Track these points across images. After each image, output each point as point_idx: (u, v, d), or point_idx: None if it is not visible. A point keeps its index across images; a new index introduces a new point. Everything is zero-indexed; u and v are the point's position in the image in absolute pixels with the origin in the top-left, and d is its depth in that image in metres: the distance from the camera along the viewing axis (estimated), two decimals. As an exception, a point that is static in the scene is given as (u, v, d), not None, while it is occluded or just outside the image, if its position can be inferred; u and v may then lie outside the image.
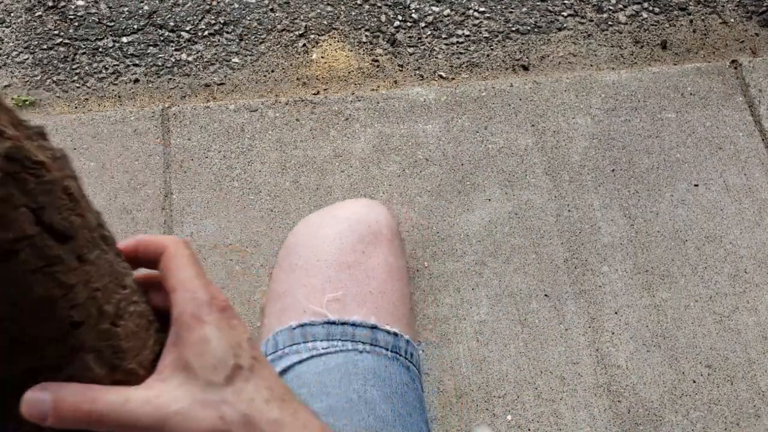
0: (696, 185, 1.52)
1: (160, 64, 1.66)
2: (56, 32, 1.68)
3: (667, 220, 1.48)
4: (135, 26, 1.69)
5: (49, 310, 0.35)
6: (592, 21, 1.76)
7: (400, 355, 0.70)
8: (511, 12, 1.76)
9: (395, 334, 0.70)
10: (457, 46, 1.71)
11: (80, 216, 0.37)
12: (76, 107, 1.60)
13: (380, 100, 1.58)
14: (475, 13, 1.76)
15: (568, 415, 1.31)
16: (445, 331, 1.36)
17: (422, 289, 1.40)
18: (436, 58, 1.70)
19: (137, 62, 1.66)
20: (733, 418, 1.31)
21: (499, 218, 1.47)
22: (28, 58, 1.65)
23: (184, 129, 1.53)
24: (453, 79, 1.67)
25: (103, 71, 1.64)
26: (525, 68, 1.69)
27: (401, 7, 1.75)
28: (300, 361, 0.66)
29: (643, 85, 1.63)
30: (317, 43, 1.70)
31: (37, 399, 0.36)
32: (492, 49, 1.72)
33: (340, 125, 1.55)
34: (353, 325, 0.68)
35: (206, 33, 1.70)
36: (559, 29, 1.75)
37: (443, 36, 1.72)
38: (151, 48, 1.67)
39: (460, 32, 1.73)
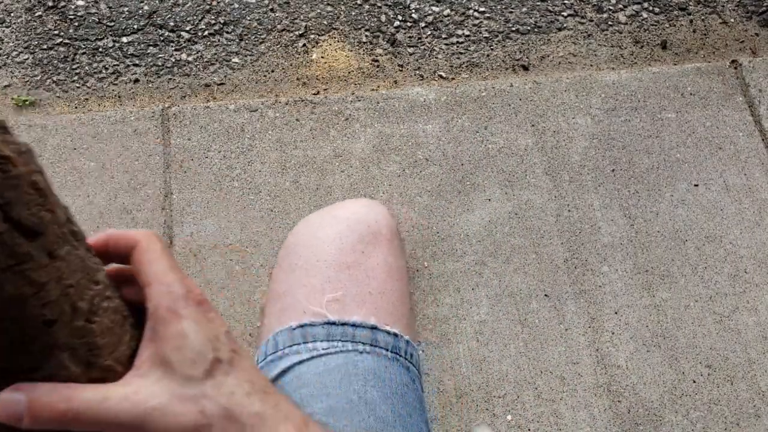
0: (696, 185, 1.52)
1: (160, 64, 1.66)
2: (56, 32, 1.68)
3: (667, 220, 1.48)
4: (135, 26, 1.69)
5: (20, 309, 0.35)
6: (592, 21, 1.76)
7: (400, 356, 0.70)
8: (511, 12, 1.76)
9: (395, 335, 0.70)
10: (457, 46, 1.71)
11: (49, 211, 0.36)
12: (76, 107, 1.60)
13: (380, 100, 1.58)
14: (475, 13, 1.76)
15: (568, 415, 1.31)
16: (445, 331, 1.36)
17: (422, 289, 1.40)
18: (436, 58, 1.70)
19: (137, 62, 1.66)
20: (733, 418, 1.31)
21: (499, 218, 1.47)
22: (28, 58, 1.65)
23: (184, 129, 1.53)
24: (453, 79, 1.67)
25: (103, 71, 1.65)
26: (525, 68, 1.69)
27: (401, 7, 1.75)
28: (300, 362, 0.66)
29: (643, 85, 1.63)
30: (317, 43, 1.70)
31: (11, 400, 0.36)
32: (492, 49, 1.72)
33: (340, 125, 1.55)
34: (353, 325, 0.68)
35: (206, 33, 1.70)
36: (559, 29, 1.75)
37: (443, 36, 1.72)
38: (151, 48, 1.67)
39: (460, 32, 1.73)
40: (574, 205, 1.49)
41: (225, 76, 1.65)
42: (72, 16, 1.70)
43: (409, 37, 1.72)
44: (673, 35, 1.76)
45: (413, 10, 1.75)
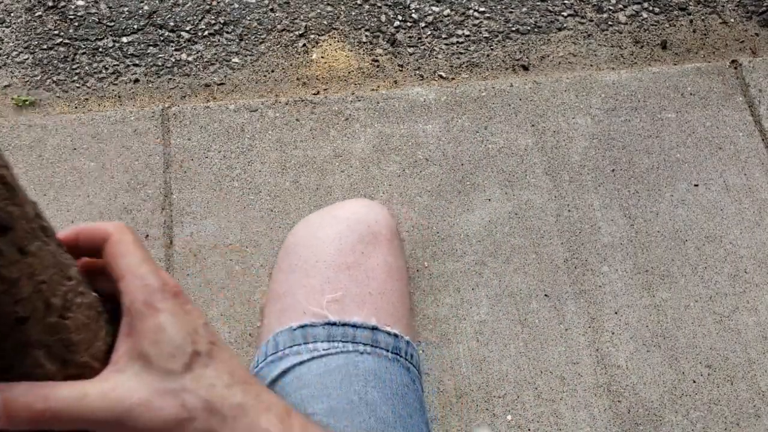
0: (696, 185, 1.52)
1: (160, 64, 1.66)
2: (56, 32, 1.68)
3: (667, 220, 1.48)
4: (135, 26, 1.69)
5: None
6: (592, 21, 1.76)
7: (401, 357, 0.70)
8: (511, 12, 1.76)
9: (395, 336, 0.70)
10: (457, 46, 1.71)
11: (18, 206, 0.35)
12: (76, 107, 1.60)
13: (380, 100, 1.58)
14: (475, 13, 1.76)
15: (568, 415, 1.31)
16: (445, 331, 1.36)
17: (422, 289, 1.40)
18: (436, 58, 1.70)
19: (137, 62, 1.66)
20: (733, 418, 1.32)
21: (499, 218, 1.47)
22: (28, 58, 1.65)
23: (184, 129, 1.53)
24: (453, 79, 1.67)
25: (103, 71, 1.64)
26: (525, 68, 1.69)
27: (401, 7, 1.75)
28: (301, 362, 0.66)
29: (643, 85, 1.63)
30: (317, 43, 1.70)
31: None
32: (492, 49, 1.72)
33: (340, 125, 1.55)
34: (354, 326, 0.68)
35: (206, 33, 1.70)
36: (559, 29, 1.75)
37: (443, 36, 1.72)
38: (151, 48, 1.67)
39: (460, 32, 1.73)
40: (574, 205, 1.49)
41: (225, 76, 1.65)
42: (72, 16, 1.70)
43: (409, 37, 1.72)
44: (673, 35, 1.76)
45: (413, 10, 1.75)
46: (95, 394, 0.36)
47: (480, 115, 1.58)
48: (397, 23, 1.73)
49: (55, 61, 1.65)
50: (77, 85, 1.63)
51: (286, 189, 1.48)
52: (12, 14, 1.70)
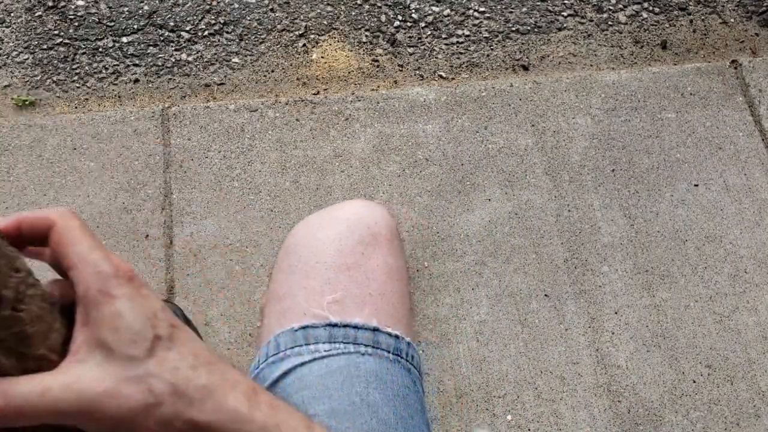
0: (696, 185, 1.52)
1: (160, 64, 1.66)
2: (56, 32, 1.68)
3: (667, 220, 1.49)
4: (135, 26, 1.69)
5: None
6: (592, 21, 1.76)
7: (402, 358, 0.70)
8: (511, 12, 1.76)
9: (397, 337, 0.70)
10: (457, 46, 1.71)
11: None
12: (76, 107, 1.60)
13: (380, 100, 1.58)
14: (475, 13, 1.76)
15: (568, 415, 1.31)
16: (445, 331, 1.36)
17: (422, 289, 1.40)
18: (436, 58, 1.70)
19: (137, 62, 1.66)
20: (733, 418, 1.32)
21: (499, 218, 1.47)
22: (28, 58, 1.65)
23: (184, 129, 1.53)
24: (453, 79, 1.67)
25: (103, 71, 1.64)
26: (525, 68, 1.70)
27: (401, 7, 1.75)
28: (302, 364, 0.66)
29: (643, 85, 1.63)
30: (317, 43, 1.70)
31: None
32: (492, 49, 1.72)
33: (340, 125, 1.55)
34: (355, 327, 0.68)
35: (206, 33, 1.70)
36: (559, 29, 1.75)
37: (443, 36, 1.72)
38: (151, 48, 1.67)
39: (460, 32, 1.73)
40: (574, 205, 1.49)
41: (225, 76, 1.65)
42: (72, 16, 1.70)
43: (409, 37, 1.72)
44: (673, 35, 1.76)
45: (413, 10, 1.75)
46: (58, 386, 0.36)
47: (480, 115, 1.58)
48: (397, 23, 1.73)
49: (55, 61, 1.65)
50: (77, 85, 1.63)
51: (286, 189, 1.48)
52: (12, 14, 1.70)
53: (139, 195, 1.46)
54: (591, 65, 1.70)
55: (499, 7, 1.76)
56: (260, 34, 1.70)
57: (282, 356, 0.67)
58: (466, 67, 1.69)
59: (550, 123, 1.58)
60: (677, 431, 1.30)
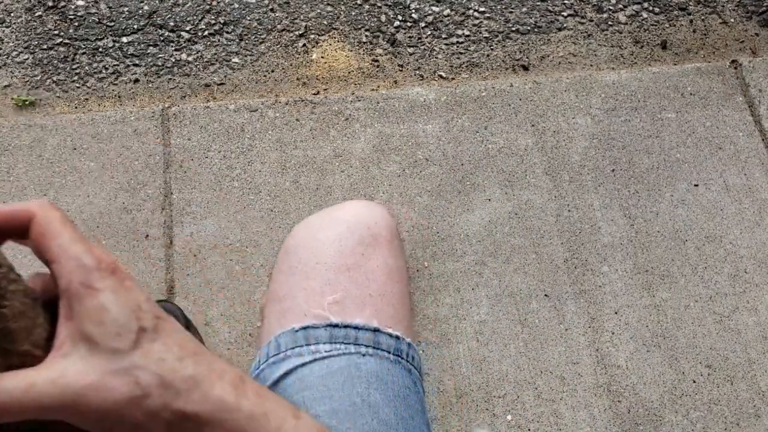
0: (696, 185, 1.52)
1: (160, 64, 1.66)
2: (56, 32, 1.68)
3: (667, 220, 1.49)
4: (135, 26, 1.69)
5: None
6: (592, 21, 1.76)
7: (402, 359, 0.70)
8: (511, 12, 1.76)
9: (397, 338, 0.70)
10: (457, 46, 1.71)
11: None
12: (76, 107, 1.60)
13: (380, 100, 1.59)
14: (475, 13, 1.76)
15: (568, 415, 1.31)
16: (445, 331, 1.36)
17: (422, 289, 1.40)
18: (436, 58, 1.70)
19: (137, 62, 1.66)
20: (733, 418, 1.32)
21: (499, 218, 1.47)
22: (28, 58, 1.65)
23: (184, 129, 1.53)
24: (453, 79, 1.67)
25: (103, 71, 1.64)
26: (525, 68, 1.70)
27: (401, 7, 1.75)
28: (303, 364, 0.66)
29: (643, 85, 1.63)
30: (317, 43, 1.70)
31: None
32: (492, 49, 1.72)
33: (340, 125, 1.55)
34: (356, 328, 0.68)
35: (206, 33, 1.70)
36: (559, 29, 1.75)
37: (443, 36, 1.72)
38: (151, 48, 1.67)
39: (460, 32, 1.73)
40: (574, 205, 1.49)
41: (225, 76, 1.65)
42: (72, 16, 1.70)
43: (409, 37, 1.72)
44: (673, 35, 1.76)
45: (413, 10, 1.75)
46: (43, 382, 0.35)
47: (480, 115, 1.58)
48: (397, 23, 1.73)
49: (55, 61, 1.65)
50: (77, 85, 1.63)
51: (286, 189, 1.48)
52: (12, 14, 1.70)
53: (139, 195, 1.46)
54: (591, 65, 1.70)
55: (499, 7, 1.76)
56: (260, 34, 1.70)
57: (283, 357, 0.67)
58: (466, 67, 1.69)
59: (550, 123, 1.58)
60: (677, 431, 1.30)
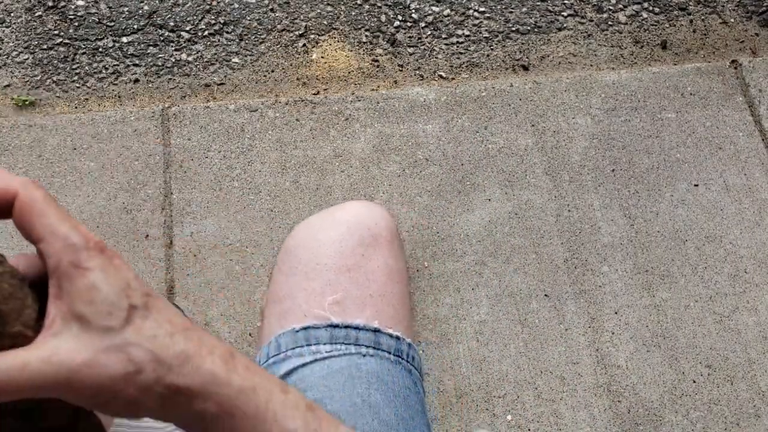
0: (696, 185, 1.52)
1: (160, 64, 1.66)
2: (56, 32, 1.68)
3: (667, 220, 1.49)
4: (135, 26, 1.69)
5: None
6: (592, 21, 1.76)
7: (402, 359, 0.70)
8: (511, 12, 1.76)
9: (397, 338, 0.70)
10: (457, 46, 1.71)
11: None
12: (76, 107, 1.60)
13: (380, 100, 1.59)
14: (475, 13, 1.76)
15: (568, 415, 1.31)
16: (445, 331, 1.36)
17: (422, 289, 1.40)
18: (436, 58, 1.70)
19: (137, 62, 1.66)
20: (733, 418, 1.32)
21: (499, 218, 1.47)
22: (28, 58, 1.65)
23: (184, 129, 1.53)
24: (453, 79, 1.67)
25: (103, 71, 1.64)
26: (525, 68, 1.70)
27: (401, 7, 1.75)
28: (303, 365, 0.66)
29: (643, 85, 1.63)
30: (317, 43, 1.70)
31: None
32: (492, 49, 1.72)
33: (340, 125, 1.55)
34: (356, 328, 0.68)
35: (206, 33, 1.70)
36: (559, 29, 1.75)
37: (443, 36, 1.72)
38: (151, 48, 1.67)
39: (460, 32, 1.73)
40: (574, 205, 1.49)
41: (225, 76, 1.65)
42: (72, 16, 1.70)
43: (409, 37, 1.72)
44: (673, 35, 1.76)
45: (413, 10, 1.75)
46: (36, 361, 0.35)
47: (480, 115, 1.58)
48: (397, 23, 1.73)
49: (55, 61, 1.65)
50: (77, 85, 1.63)
51: (286, 189, 1.48)
52: (12, 14, 1.70)
53: (139, 195, 1.46)
54: (591, 65, 1.71)
55: (499, 7, 1.76)
56: (260, 34, 1.70)
57: (283, 357, 0.67)
58: (466, 67, 1.69)
59: (550, 123, 1.58)
60: (677, 431, 1.30)
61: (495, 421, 1.30)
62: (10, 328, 0.37)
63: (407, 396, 0.68)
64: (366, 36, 1.72)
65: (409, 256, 1.42)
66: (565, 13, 1.77)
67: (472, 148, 1.54)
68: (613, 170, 1.53)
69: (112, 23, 1.69)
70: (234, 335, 1.34)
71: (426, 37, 1.72)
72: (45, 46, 1.66)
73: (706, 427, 1.31)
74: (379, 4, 1.75)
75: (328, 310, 0.69)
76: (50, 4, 1.70)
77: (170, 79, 1.64)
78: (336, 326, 0.68)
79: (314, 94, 1.62)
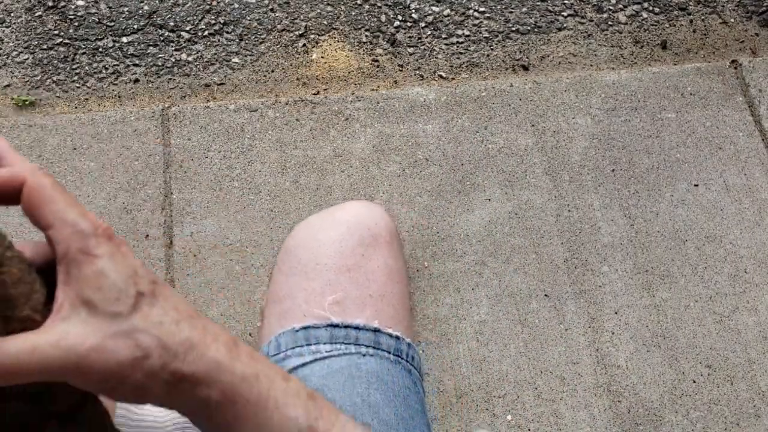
0: (696, 185, 1.52)
1: (160, 64, 1.66)
2: (56, 32, 1.68)
3: (667, 220, 1.49)
4: (135, 26, 1.69)
5: None
6: (592, 21, 1.76)
7: (402, 359, 0.70)
8: (511, 12, 1.76)
9: (397, 338, 0.70)
10: (457, 46, 1.71)
11: None
12: (76, 107, 1.60)
13: (380, 100, 1.59)
14: (475, 13, 1.76)
15: (568, 415, 1.31)
16: (445, 331, 1.36)
17: (422, 289, 1.40)
18: (436, 58, 1.70)
19: (137, 62, 1.66)
20: (733, 418, 1.32)
21: (499, 218, 1.47)
22: (28, 58, 1.65)
23: (184, 129, 1.53)
24: (453, 79, 1.67)
25: (103, 71, 1.64)
26: (525, 68, 1.70)
27: (401, 7, 1.75)
28: (303, 364, 0.66)
29: (643, 85, 1.63)
30: (317, 43, 1.70)
31: None
32: (492, 49, 1.72)
33: (340, 125, 1.55)
34: (356, 328, 0.68)
35: (206, 33, 1.70)
36: (559, 29, 1.75)
37: (443, 36, 1.72)
38: (151, 48, 1.67)
39: (460, 32, 1.73)
40: (574, 205, 1.49)
41: (225, 76, 1.65)
42: (72, 16, 1.70)
43: (409, 37, 1.72)
44: (673, 35, 1.76)
45: (413, 10, 1.75)
46: (45, 344, 0.36)
47: (480, 115, 1.58)
48: (397, 23, 1.73)
49: (55, 61, 1.65)
50: (77, 85, 1.63)
51: (286, 189, 1.48)
52: (12, 14, 1.70)
53: (139, 195, 1.46)
54: (591, 65, 1.71)
55: (499, 7, 1.77)
56: (260, 34, 1.70)
57: (283, 356, 0.67)
58: (466, 67, 1.69)
59: (550, 123, 1.58)
60: (677, 431, 1.30)
61: (495, 421, 1.30)
62: (19, 312, 0.37)
63: (407, 396, 0.68)
64: (366, 36, 1.72)
65: (409, 256, 1.42)
66: (565, 13, 1.77)
67: (472, 148, 1.54)
68: (613, 170, 1.53)
69: (112, 23, 1.69)
70: (234, 335, 1.33)
71: (426, 37, 1.72)
72: (45, 46, 1.66)
73: (706, 427, 1.31)
74: (379, 4, 1.75)
75: (328, 310, 0.69)
76: (50, 4, 1.70)
77: (170, 79, 1.64)
78: (336, 326, 0.68)
79: (314, 94, 1.62)
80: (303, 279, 0.71)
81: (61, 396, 0.41)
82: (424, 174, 1.51)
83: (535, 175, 1.52)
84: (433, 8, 1.75)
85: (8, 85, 1.62)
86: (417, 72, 1.68)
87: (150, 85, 1.63)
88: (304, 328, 0.68)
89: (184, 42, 1.68)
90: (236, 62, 1.67)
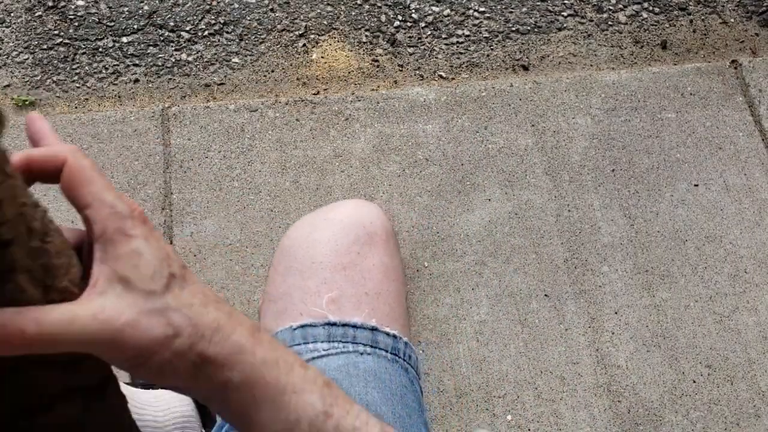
0: (696, 185, 1.52)
1: (160, 64, 1.66)
2: (56, 32, 1.68)
3: (667, 220, 1.48)
4: (135, 26, 1.69)
5: None
6: (592, 21, 1.76)
7: (399, 357, 0.70)
8: (511, 12, 1.76)
9: (395, 336, 0.70)
10: (457, 46, 1.71)
11: None
12: (76, 107, 1.60)
13: (380, 100, 1.59)
14: (475, 13, 1.76)
15: (568, 415, 1.31)
16: (445, 331, 1.36)
17: (422, 289, 1.40)
18: (436, 58, 1.70)
19: (137, 62, 1.66)
20: (733, 418, 1.31)
21: (499, 218, 1.47)
22: (28, 58, 1.65)
23: (184, 129, 1.53)
24: (453, 79, 1.67)
25: (103, 71, 1.65)
26: (525, 68, 1.69)
27: (401, 7, 1.75)
28: None
29: (643, 85, 1.63)
30: (317, 43, 1.70)
31: None
32: (492, 49, 1.72)
33: (340, 125, 1.55)
34: (354, 326, 0.68)
35: (206, 33, 1.70)
36: (559, 29, 1.75)
37: (443, 36, 1.72)
38: (151, 48, 1.68)
39: (460, 32, 1.73)
40: (574, 205, 1.49)
41: (225, 76, 1.65)
42: (72, 16, 1.70)
43: (409, 37, 1.72)
44: (673, 35, 1.75)
45: (413, 10, 1.75)
46: (85, 315, 0.37)
47: (480, 115, 1.58)
48: (397, 23, 1.73)
49: (55, 61, 1.65)
50: (77, 85, 1.63)
51: (286, 189, 1.48)
52: (12, 14, 1.70)
53: (139, 195, 1.46)
54: (591, 65, 1.70)
55: (499, 7, 1.76)
56: (260, 34, 1.71)
57: None
58: (466, 67, 1.69)
59: (550, 123, 1.58)
60: (677, 431, 1.30)
61: (495, 421, 1.29)
62: (59, 283, 0.38)
63: (404, 394, 0.68)
64: (366, 36, 1.72)
65: (409, 256, 1.42)
66: (565, 13, 1.77)
67: (472, 148, 1.54)
68: (613, 170, 1.53)
69: (112, 23, 1.69)
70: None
71: (426, 37, 1.72)
72: (45, 46, 1.67)
73: (706, 427, 1.31)
74: (379, 4, 1.75)
75: (326, 309, 0.69)
76: (50, 4, 1.71)
77: (170, 79, 1.64)
78: (333, 324, 0.68)
79: (314, 94, 1.63)
80: (299, 278, 0.71)
81: (90, 368, 0.42)
82: (424, 174, 1.51)
83: (535, 175, 1.52)
84: (433, 8, 1.75)
85: (8, 85, 1.62)
86: (417, 72, 1.68)
87: (150, 85, 1.63)
88: (302, 326, 0.68)
89: (184, 42, 1.68)
90: (236, 62, 1.67)
